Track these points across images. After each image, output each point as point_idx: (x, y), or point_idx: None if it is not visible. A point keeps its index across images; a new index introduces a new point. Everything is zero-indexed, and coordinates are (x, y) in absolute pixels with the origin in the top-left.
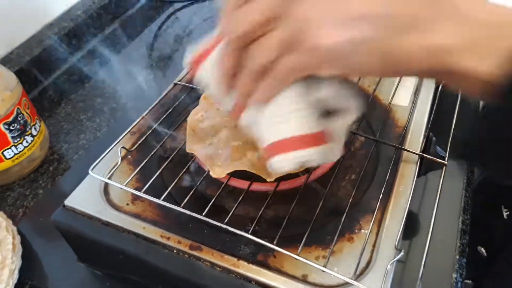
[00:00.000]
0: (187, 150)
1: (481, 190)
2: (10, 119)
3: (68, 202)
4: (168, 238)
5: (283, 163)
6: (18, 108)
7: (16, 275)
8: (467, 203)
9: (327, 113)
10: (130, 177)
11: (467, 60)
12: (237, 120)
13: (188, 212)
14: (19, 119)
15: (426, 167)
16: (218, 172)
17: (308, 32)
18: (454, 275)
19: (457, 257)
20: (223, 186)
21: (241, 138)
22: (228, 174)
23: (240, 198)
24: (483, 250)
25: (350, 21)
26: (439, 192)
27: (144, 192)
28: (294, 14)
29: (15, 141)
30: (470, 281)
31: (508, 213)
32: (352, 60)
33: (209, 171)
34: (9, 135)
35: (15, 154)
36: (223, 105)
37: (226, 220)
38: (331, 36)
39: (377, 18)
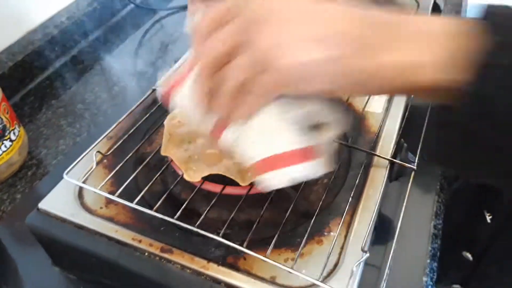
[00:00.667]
0: (162, 153)
1: (463, 195)
2: None
3: (42, 205)
4: (140, 241)
5: (276, 179)
6: None
7: None
8: (439, 208)
9: (313, 128)
10: (105, 181)
11: (435, 73)
12: (217, 141)
13: (159, 216)
14: None
15: (397, 172)
16: (193, 176)
17: (274, 54)
18: (425, 279)
19: (428, 261)
20: (196, 189)
21: (217, 147)
22: (202, 178)
23: (212, 202)
24: (468, 255)
25: (314, 42)
26: (406, 195)
27: (118, 196)
28: (258, 39)
29: None
30: (459, 286)
31: (491, 217)
32: (320, 80)
33: (183, 175)
34: None
35: None
36: (203, 126)
37: (197, 223)
38: (296, 57)
39: (342, 38)
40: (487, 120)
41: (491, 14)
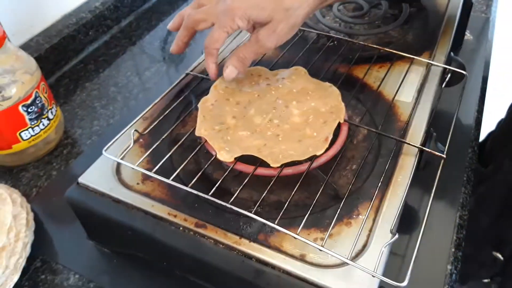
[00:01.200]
0: (197, 134)
1: (492, 197)
2: (29, 101)
3: (82, 179)
4: (175, 216)
5: None
6: (36, 92)
7: (28, 249)
8: (465, 199)
9: None
10: (142, 158)
11: None
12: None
13: (195, 192)
14: (37, 102)
15: (426, 160)
16: (226, 156)
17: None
18: (449, 267)
19: (453, 250)
20: (229, 170)
21: (249, 128)
22: (235, 158)
23: (244, 182)
24: (498, 255)
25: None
26: (435, 184)
27: (155, 173)
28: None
29: (32, 123)
30: (488, 280)
31: None
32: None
33: (216, 155)
34: (26, 117)
35: (32, 136)
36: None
37: (231, 200)
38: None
39: None
40: None
41: None
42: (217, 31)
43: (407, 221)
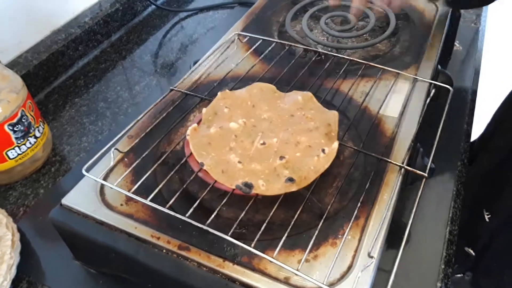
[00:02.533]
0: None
1: (464, 193)
2: (15, 120)
3: (65, 201)
4: (158, 238)
5: None
6: (22, 110)
7: (14, 271)
8: (455, 214)
9: None
10: (121, 177)
11: None
12: None
13: (171, 213)
14: (23, 120)
15: (413, 176)
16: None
17: None
18: (439, 284)
19: (443, 266)
20: (209, 188)
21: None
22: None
23: (223, 201)
24: (470, 250)
25: None
26: (416, 201)
27: (134, 193)
28: None
29: (19, 142)
30: (461, 275)
31: (489, 216)
32: None
33: (198, 172)
34: (13, 136)
35: (18, 154)
36: None
37: (208, 222)
38: None
39: None
40: None
41: None
42: None
43: (397, 238)
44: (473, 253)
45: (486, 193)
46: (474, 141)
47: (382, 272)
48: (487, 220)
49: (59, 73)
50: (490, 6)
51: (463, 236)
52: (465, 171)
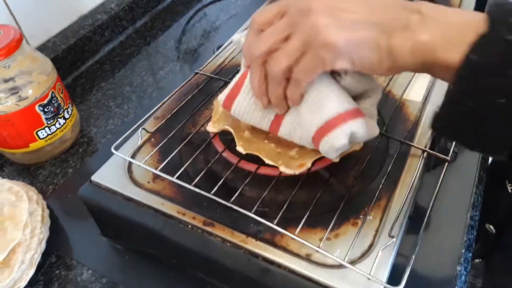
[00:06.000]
0: (209, 129)
1: (483, 167)
2: (45, 101)
3: (95, 178)
4: (184, 214)
5: (336, 137)
6: (52, 92)
7: (43, 245)
8: (477, 200)
9: (354, 98)
10: (149, 156)
11: (444, 53)
12: (277, 134)
13: (197, 190)
14: (53, 102)
15: (434, 161)
16: (244, 146)
17: (320, 35)
18: (459, 268)
19: (463, 251)
20: (232, 168)
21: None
22: (239, 157)
23: (247, 180)
24: (491, 227)
25: (350, 25)
26: (438, 186)
27: (161, 170)
28: (305, 24)
29: (49, 122)
30: (480, 260)
31: None
32: (359, 55)
33: (222, 152)
34: (43, 117)
35: (48, 134)
36: (263, 124)
37: (232, 199)
38: (339, 35)
39: (368, 23)
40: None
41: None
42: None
43: (418, 221)
44: (494, 230)
45: (508, 165)
46: None
47: (402, 257)
48: (510, 192)
49: (86, 57)
50: None
51: (483, 213)
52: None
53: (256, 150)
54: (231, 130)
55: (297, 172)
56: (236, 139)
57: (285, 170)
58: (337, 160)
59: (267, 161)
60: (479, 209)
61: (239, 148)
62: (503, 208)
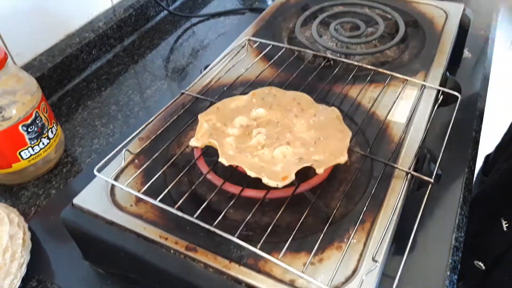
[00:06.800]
0: (192, 144)
1: (478, 203)
2: (29, 121)
3: (76, 200)
4: (166, 239)
5: None
6: (36, 112)
7: (24, 269)
8: (461, 221)
9: None
10: (132, 178)
11: None
12: None
13: (179, 214)
14: (37, 122)
15: (419, 182)
16: (228, 159)
17: None
18: None
19: (448, 273)
20: (216, 190)
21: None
22: (223, 179)
23: (231, 203)
24: (480, 264)
25: None
26: (422, 207)
27: (144, 193)
28: None
29: (32, 142)
30: None
31: (507, 225)
32: None
33: (206, 174)
34: (26, 137)
35: (31, 155)
36: None
37: (215, 223)
38: None
39: None
40: None
41: None
42: None
43: (403, 243)
44: (483, 267)
45: (504, 201)
46: (490, 154)
47: (387, 277)
48: (505, 229)
49: (72, 76)
50: (500, 13)
51: (473, 249)
52: (480, 181)
53: (239, 162)
54: (215, 143)
55: (280, 185)
56: (219, 152)
57: (268, 181)
58: (321, 171)
59: (249, 172)
60: (464, 230)
61: (222, 159)
62: (496, 245)
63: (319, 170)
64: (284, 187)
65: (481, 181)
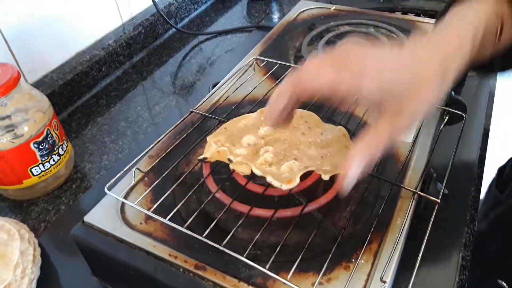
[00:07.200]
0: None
1: (501, 223)
2: (40, 138)
3: (87, 218)
4: (176, 257)
5: None
6: (48, 129)
7: (34, 285)
8: (468, 239)
9: None
10: (142, 196)
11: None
12: None
13: (189, 232)
14: (48, 139)
15: (426, 202)
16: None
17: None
18: None
19: None
20: (225, 209)
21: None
22: (231, 197)
23: (239, 222)
24: (503, 283)
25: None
26: (429, 228)
27: (154, 211)
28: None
29: (43, 159)
30: None
31: None
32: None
33: (215, 193)
34: (38, 154)
35: (42, 171)
36: None
37: (224, 242)
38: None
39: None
40: None
41: None
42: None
43: (410, 263)
44: (507, 286)
45: (504, 260)
46: (504, 167)
47: None
48: None
49: (82, 92)
50: None
51: (497, 268)
52: (495, 198)
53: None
54: (225, 149)
55: (284, 187)
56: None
57: (272, 181)
58: (327, 178)
59: (255, 170)
60: (470, 249)
61: (231, 165)
62: None
63: (325, 177)
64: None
65: (496, 197)
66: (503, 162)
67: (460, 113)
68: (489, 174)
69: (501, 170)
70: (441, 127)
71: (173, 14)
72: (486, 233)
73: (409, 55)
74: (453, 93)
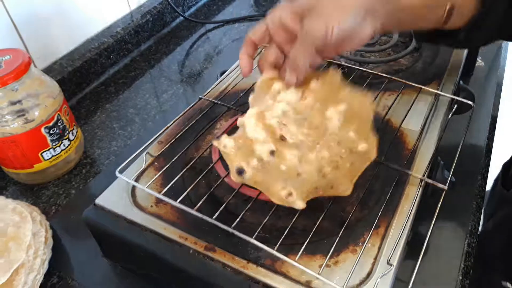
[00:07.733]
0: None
1: (507, 223)
2: (51, 123)
3: (99, 201)
4: (186, 239)
5: None
6: (58, 114)
7: (46, 265)
8: (474, 227)
9: None
10: (152, 180)
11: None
12: None
13: (199, 215)
14: (59, 124)
15: (433, 188)
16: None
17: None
18: None
19: (460, 278)
20: (234, 193)
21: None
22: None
23: (248, 206)
24: (508, 284)
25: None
26: (435, 215)
27: (164, 195)
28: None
29: (54, 144)
30: None
31: None
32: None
33: (224, 177)
34: (48, 138)
35: (53, 156)
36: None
37: (233, 225)
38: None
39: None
40: None
41: None
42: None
43: (416, 249)
44: (510, 286)
45: (508, 261)
46: (509, 163)
47: (400, 282)
48: None
49: (91, 79)
50: None
51: (501, 270)
52: (500, 195)
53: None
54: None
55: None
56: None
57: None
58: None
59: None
60: (476, 236)
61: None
62: None
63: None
64: None
65: (501, 194)
66: (507, 157)
67: (468, 102)
68: (492, 171)
69: (506, 166)
70: (449, 116)
71: (180, 3)
72: (492, 232)
73: None
74: (461, 82)
